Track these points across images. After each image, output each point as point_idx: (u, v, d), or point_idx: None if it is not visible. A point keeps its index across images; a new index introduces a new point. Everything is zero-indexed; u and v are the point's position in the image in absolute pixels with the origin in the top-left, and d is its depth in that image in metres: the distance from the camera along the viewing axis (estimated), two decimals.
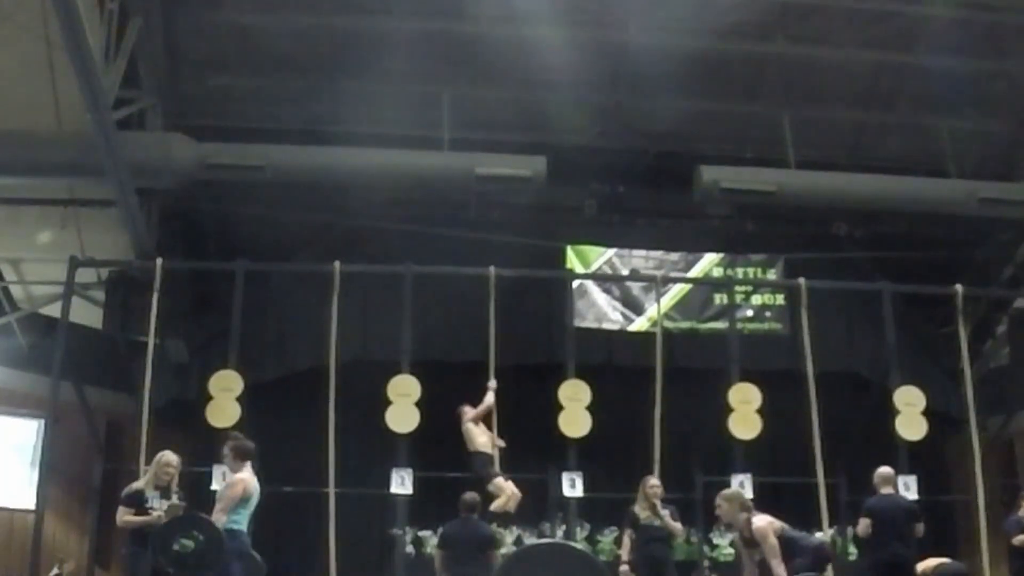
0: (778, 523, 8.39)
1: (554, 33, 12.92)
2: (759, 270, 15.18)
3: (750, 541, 8.36)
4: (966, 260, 15.24)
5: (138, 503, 8.55)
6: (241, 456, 8.42)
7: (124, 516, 8.55)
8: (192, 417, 12.51)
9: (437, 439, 12.79)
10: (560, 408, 12.15)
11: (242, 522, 8.39)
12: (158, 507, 8.53)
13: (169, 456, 8.84)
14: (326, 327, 12.12)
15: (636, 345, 14.35)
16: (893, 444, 12.20)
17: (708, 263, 15.19)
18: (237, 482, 8.24)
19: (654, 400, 12.23)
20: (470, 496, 10.15)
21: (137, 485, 8.78)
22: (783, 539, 8.21)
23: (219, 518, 8.12)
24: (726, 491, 8.97)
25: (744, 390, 12.38)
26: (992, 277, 15.26)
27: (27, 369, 14.01)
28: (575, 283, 14.29)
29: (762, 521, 8.29)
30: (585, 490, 12.11)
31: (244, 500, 8.28)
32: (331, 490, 11.44)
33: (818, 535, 11.03)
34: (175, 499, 8.59)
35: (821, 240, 15.18)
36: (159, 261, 12.19)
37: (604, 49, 13.41)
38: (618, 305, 15.01)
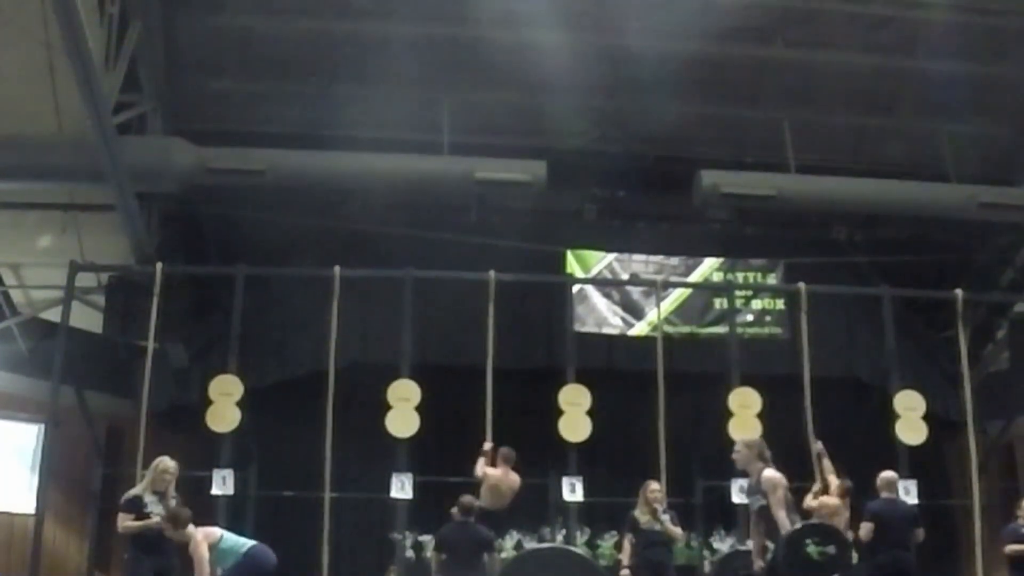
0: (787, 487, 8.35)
1: (554, 37, 12.91)
2: (759, 274, 15.22)
3: (755, 489, 8.31)
4: (966, 264, 15.31)
5: (137, 509, 8.59)
6: (180, 525, 8.52)
7: (124, 522, 8.58)
8: (192, 421, 12.53)
9: (437, 444, 12.88)
10: (560, 412, 12.19)
11: (242, 542, 8.67)
12: (157, 512, 8.60)
13: (166, 462, 8.88)
14: (326, 331, 12.17)
15: (636, 350, 14.40)
16: (893, 448, 12.25)
17: (708, 267, 15.22)
18: (198, 544, 8.43)
19: (654, 405, 12.25)
20: (467, 499, 10.16)
21: (135, 491, 8.82)
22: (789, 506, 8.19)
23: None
24: (747, 438, 8.96)
25: (744, 394, 12.42)
26: (992, 281, 15.29)
27: (27, 373, 13.97)
28: (575, 287, 14.37)
29: (775, 474, 8.23)
30: (585, 494, 12.12)
31: (217, 542, 8.53)
32: (326, 494, 11.50)
33: None
34: (174, 504, 8.65)
35: (821, 244, 15.22)
36: (159, 265, 12.26)
37: (604, 53, 13.41)
38: (618, 309, 15.04)
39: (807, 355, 12.50)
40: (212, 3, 12.86)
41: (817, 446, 11.39)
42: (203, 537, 8.49)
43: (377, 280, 13.44)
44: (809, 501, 10.70)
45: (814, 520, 8.14)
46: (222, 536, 8.67)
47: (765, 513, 8.09)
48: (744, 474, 8.95)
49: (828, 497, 10.66)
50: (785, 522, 7.93)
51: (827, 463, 11.07)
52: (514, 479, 11.22)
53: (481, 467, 11.16)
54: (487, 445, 11.43)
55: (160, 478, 8.76)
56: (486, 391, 11.92)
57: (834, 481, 10.84)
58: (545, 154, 13.60)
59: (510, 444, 11.45)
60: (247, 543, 8.71)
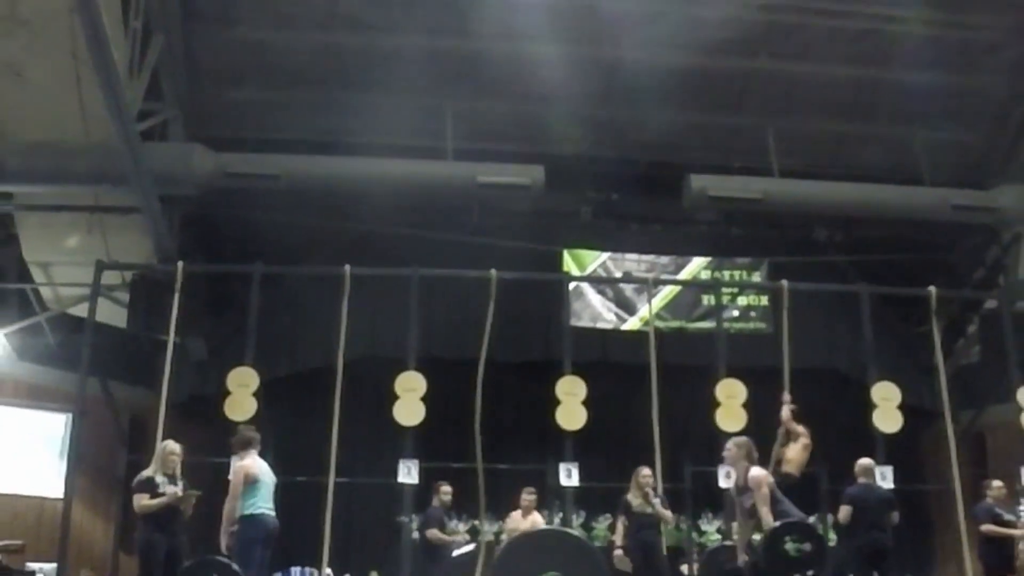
0: (772, 482, 8.73)
1: (551, 49, 13.20)
2: (744, 273, 15.44)
3: (743, 488, 8.64)
4: (939, 263, 15.54)
5: (151, 488, 8.86)
6: (241, 446, 9.01)
7: (142, 501, 8.78)
8: (211, 411, 12.57)
9: (442, 431, 12.91)
10: (557, 402, 12.31)
11: (259, 505, 8.86)
12: (170, 492, 8.90)
13: (172, 445, 9.19)
14: (337, 326, 12.27)
15: (629, 343, 14.64)
16: (870, 437, 12.39)
17: (696, 266, 15.48)
18: (238, 470, 8.82)
19: (646, 395, 12.38)
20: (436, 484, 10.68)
21: (147, 473, 9.05)
22: (774, 498, 8.50)
23: (230, 505, 8.70)
24: (738, 438, 9.26)
25: (730, 386, 12.56)
26: (964, 279, 15.61)
27: (56, 366, 14.14)
28: (571, 285, 14.49)
29: (760, 472, 8.60)
30: (581, 480, 12.22)
31: (251, 484, 8.79)
32: (331, 479, 11.55)
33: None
34: (182, 487, 8.98)
35: (803, 244, 15.52)
36: (180, 264, 12.36)
37: (598, 64, 13.69)
38: (612, 306, 15.30)
39: (786, 349, 12.59)
40: (230, 17, 13.15)
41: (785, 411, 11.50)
42: (245, 467, 8.78)
43: (385, 278, 13.52)
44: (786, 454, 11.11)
45: (794, 519, 8.40)
46: (259, 482, 8.85)
47: (753, 510, 8.46)
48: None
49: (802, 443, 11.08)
50: (768, 519, 8.26)
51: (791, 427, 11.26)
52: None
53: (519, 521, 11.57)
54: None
55: (168, 460, 9.02)
56: (487, 383, 12.14)
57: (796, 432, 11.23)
58: (543, 159, 13.83)
59: (510, 432, 11.62)
60: (261, 508, 8.87)
